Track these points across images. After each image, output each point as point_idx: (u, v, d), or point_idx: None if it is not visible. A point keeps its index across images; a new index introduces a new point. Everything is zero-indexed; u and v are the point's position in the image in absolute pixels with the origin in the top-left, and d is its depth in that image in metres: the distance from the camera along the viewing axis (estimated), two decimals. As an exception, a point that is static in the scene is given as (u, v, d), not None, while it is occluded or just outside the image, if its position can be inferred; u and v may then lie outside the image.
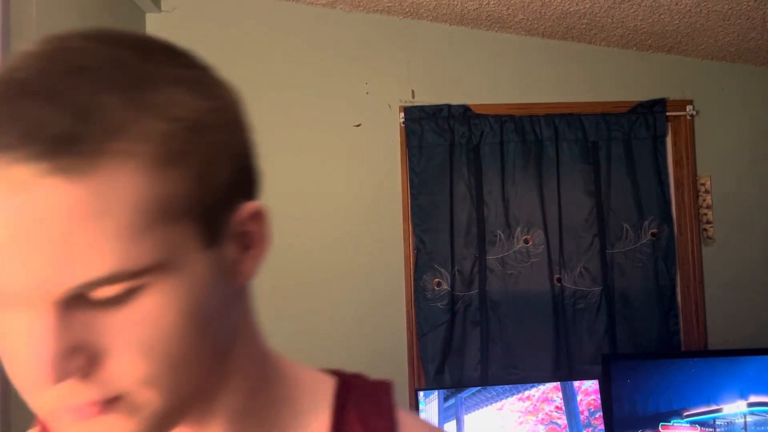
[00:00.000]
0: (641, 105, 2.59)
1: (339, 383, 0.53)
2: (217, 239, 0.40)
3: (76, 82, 0.35)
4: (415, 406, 2.23)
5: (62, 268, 0.35)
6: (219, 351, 0.43)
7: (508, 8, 2.39)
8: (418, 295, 2.47)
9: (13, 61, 0.37)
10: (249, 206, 0.43)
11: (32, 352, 0.35)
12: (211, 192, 0.39)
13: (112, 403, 0.38)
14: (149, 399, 0.39)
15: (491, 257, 2.52)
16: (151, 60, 0.38)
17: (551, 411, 2.19)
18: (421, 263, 2.47)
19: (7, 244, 0.34)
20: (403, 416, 0.53)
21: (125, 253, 0.35)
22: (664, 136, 2.61)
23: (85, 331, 0.36)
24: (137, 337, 0.37)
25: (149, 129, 0.36)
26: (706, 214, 2.66)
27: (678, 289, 2.62)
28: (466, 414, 2.17)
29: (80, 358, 0.36)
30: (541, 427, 2.17)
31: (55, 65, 0.36)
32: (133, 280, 0.36)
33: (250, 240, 0.44)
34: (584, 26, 2.50)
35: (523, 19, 2.48)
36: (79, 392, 0.37)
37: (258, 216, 0.44)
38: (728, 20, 2.38)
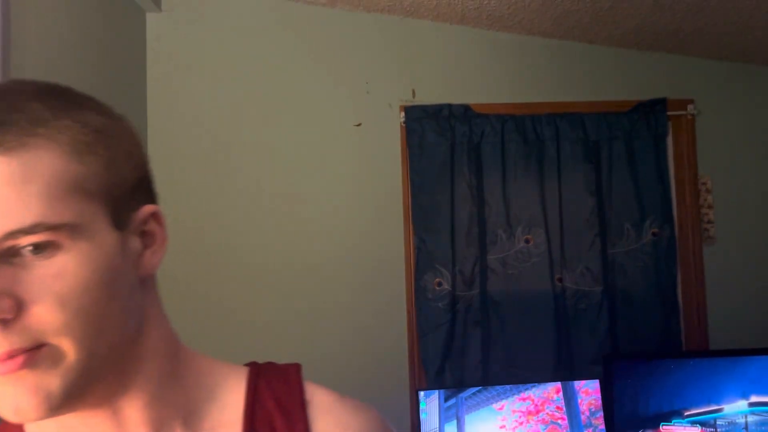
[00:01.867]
0: (642, 104, 2.58)
1: (252, 369, 0.63)
2: (123, 226, 0.52)
3: (12, 94, 0.49)
4: (415, 406, 2.23)
5: None
6: (128, 324, 0.52)
7: (508, 8, 2.39)
8: (419, 295, 2.46)
9: None
10: (148, 207, 0.54)
11: None
12: (117, 184, 0.51)
13: (34, 355, 0.45)
14: (67, 349, 0.47)
15: (492, 257, 2.51)
16: (68, 93, 0.52)
17: (552, 411, 2.19)
18: (422, 263, 2.47)
19: None
20: (312, 388, 0.63)
21: (44, 210, 0.46)
22: (665, 135, 2.60)
23: (11, 280, 0.45)
24: (54, 289, 0.46)
25: (65, 126, 0.49)
26: (707, 214, 2.66)
27: (679, 289, 2.61)
28: (467, 414, 2.17)
29: (6, 302, 0.44)
30: (541, 427, 2.17)
31: None
32: (50, 233, 0.46)
33: (152, 239, 0.55)
34: (585, 26, 2.49)
35: (524, 18, 2.47)
36: (3, 339, 0.44)
37: (156, 217, 0.55)
38: (729, 19, 2.38)
